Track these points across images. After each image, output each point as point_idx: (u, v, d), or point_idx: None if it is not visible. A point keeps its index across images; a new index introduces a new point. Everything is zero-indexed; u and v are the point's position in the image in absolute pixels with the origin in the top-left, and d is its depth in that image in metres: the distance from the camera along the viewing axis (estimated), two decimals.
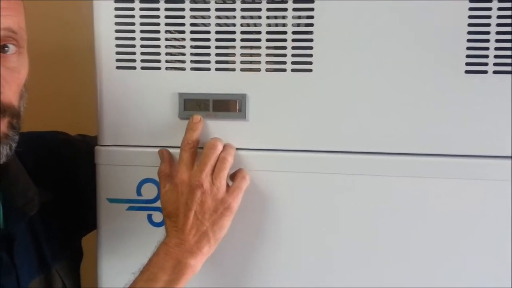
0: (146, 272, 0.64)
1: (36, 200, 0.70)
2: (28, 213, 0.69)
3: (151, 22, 0.67)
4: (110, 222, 0.72)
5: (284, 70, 0.66)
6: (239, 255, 0.70)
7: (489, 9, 0.62)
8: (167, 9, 0.67)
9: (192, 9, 0.66)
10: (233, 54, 0.67)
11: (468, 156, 0.66)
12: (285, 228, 0.69)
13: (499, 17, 0.62)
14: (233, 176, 0.68)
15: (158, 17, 0.67)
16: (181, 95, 0.68)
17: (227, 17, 0.67)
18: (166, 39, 0.67)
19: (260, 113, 0.68)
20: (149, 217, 0.71)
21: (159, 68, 0.68)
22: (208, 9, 0.66)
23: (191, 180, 0.65)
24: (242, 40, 0.66)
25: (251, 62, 0.67)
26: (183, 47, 0.67)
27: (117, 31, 0.68)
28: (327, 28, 0.65)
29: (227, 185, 0.66)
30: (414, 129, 0.66)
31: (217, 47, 0.67)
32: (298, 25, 0.65)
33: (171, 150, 0.69)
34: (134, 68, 0.69)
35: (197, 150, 0.67)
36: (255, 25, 0.66)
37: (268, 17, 0.65)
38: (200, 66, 0.68)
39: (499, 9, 0.62)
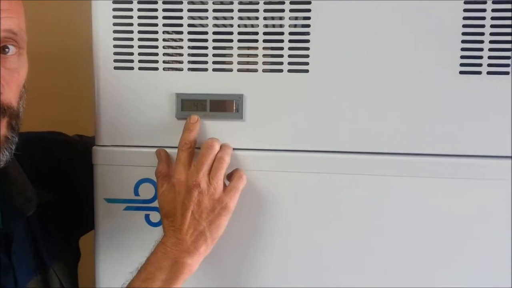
0: (144, 272, 0.64)
1: (34, 200, 0.70)
2: (26, 213, 0.69)
3: (149, 23, 0.68)
4: (107, 222, 0.72)
5: (281, 70, 0.67)
6: (236, 254, 0.70)
7: (484, 10, 0.63)
8: (165, 10, 0.67)
9: (189, 10, 0.67)
10: (230, 55, 0.67)
11: (468, 156, 0.66)
12: (282, 228, 0.69)
13: (493, 18, 0.63)
14: (230, 176, 0.68)
15: (156, 17, 0.67)
16: (178, 95, 0.69)
17: (224, 18, 0.67)
18: (164, 40, 0.68)
19: (257, 113, 0.68)
20: (147, 217, 0.71)
21: (156, 69, 0.69)
22: (205, 10, 0.66)
23: (188, 180, 0.65)
24: (239, 40, 0.67)
25: (248, 63, 0.67)
26: (181, 47, 0.68)
27: (115, 31, 0.68)
28: (324, 29, 0.65)
29: (224, 185, 0.67)
30: (409, 129, 0.66)
31: (214, 48, 0.67)
32: (295, 25, 0.66)
33: (168, 150, 0.69)
34: (132, 68, 0.69)
35: (194, 150, 0.67)
36: (252, 25, 0.66)
37: (265, 18, 0.66)
38: (197, 66, 0.68)
39: (494, 10, 0.63)
